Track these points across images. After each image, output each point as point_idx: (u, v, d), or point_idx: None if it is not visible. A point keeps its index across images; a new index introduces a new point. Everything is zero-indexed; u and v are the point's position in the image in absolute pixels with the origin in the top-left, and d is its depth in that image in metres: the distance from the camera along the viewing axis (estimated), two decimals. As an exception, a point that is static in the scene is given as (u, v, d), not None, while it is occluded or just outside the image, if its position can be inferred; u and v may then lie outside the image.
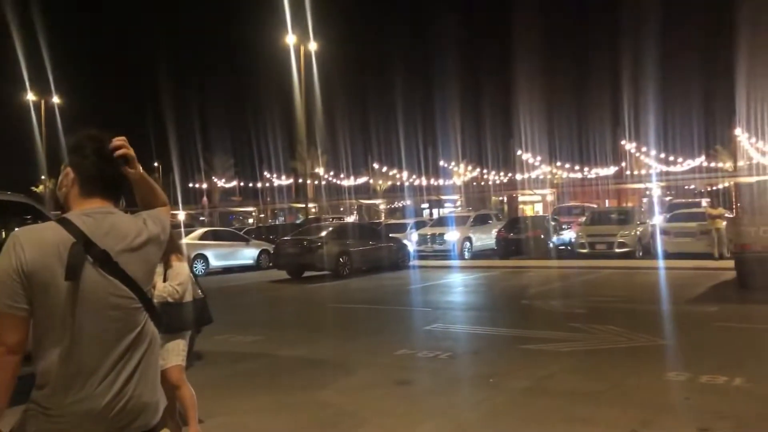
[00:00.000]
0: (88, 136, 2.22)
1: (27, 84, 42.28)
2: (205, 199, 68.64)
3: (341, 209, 63.61)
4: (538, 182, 60.75)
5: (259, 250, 23.20)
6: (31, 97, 43.13)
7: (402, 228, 26.24)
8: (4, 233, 7.51)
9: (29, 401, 2.09)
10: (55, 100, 43.97)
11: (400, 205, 65.46)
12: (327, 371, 7.04)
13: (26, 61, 39.64)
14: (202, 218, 59.73)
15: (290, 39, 34.37)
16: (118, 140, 2.22)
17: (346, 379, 6.69)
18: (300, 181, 61.72)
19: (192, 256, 19.42)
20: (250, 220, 66.61)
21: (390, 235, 22.35)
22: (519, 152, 63.47)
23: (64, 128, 42.69)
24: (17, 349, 2.03)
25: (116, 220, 2.17)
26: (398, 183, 69.44)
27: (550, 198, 56.53)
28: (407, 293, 14.83)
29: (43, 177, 49.45)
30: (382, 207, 66.80)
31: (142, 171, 2.32)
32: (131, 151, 2.23)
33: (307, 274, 18.47)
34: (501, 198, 63.20)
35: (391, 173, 70.15)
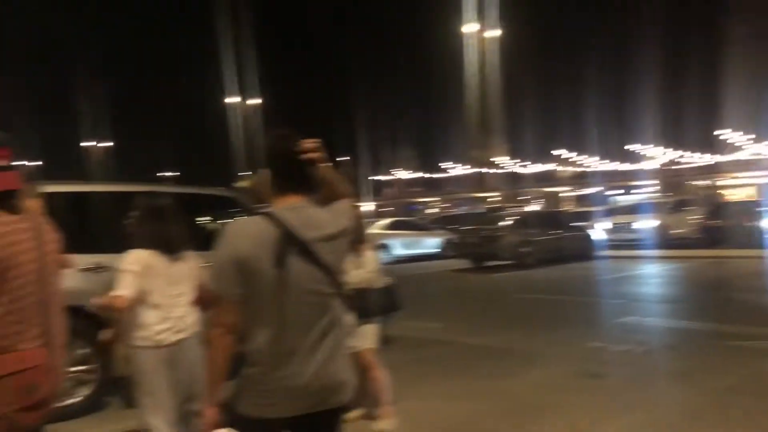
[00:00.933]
0: (279, 136, 2.41)
1: (230, 86, 46.30)
2: (389, 190, 70.88)
3: (524, 198, 62.45)
4: (746, 165, 54.95)
5: (442, 239, 23.49)
6: (232, 99, 47.13)
7: (589, 216, 25.20)
8: (215, 225, 8.34)
9: (242, 377, 2.33)
10: (254, 101, 47.70)
11: (587, 192, 62.76)
12: (513, 361, 6.99)
13: (227, 64, 43.38)
14: (386, 209, 61.72)
15: (470, 27, 34.27)
16: (310, 144, 2.38)
17: (534, 369, 6.59)
18: (480, 170, 61.52)
19: (379, 244, 20.16)
20: (432, 210, 67.62)
21: (576, 224, 21.55)
22: (721, 132, 57.77)
23: (261, 126, 46.32)
24: (232, 329, 2.28)
25: (312, 213, 2.35)
26: (585, 169, 66.56)
27: (763, 181, 50.89)
28: (596, 284, 14.23)
29: (243, 173, 53.90)
30: (567, 195, 64.52)
31: (328, 169, 2.48)
32: (320, 154, 2.40)
33: (489, 263, 18.39)
34: (702, 182, 58.08)
35: (577, 160, 67.44)
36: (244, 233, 2.27)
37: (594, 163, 64.50)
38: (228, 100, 47.15)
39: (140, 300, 3.50)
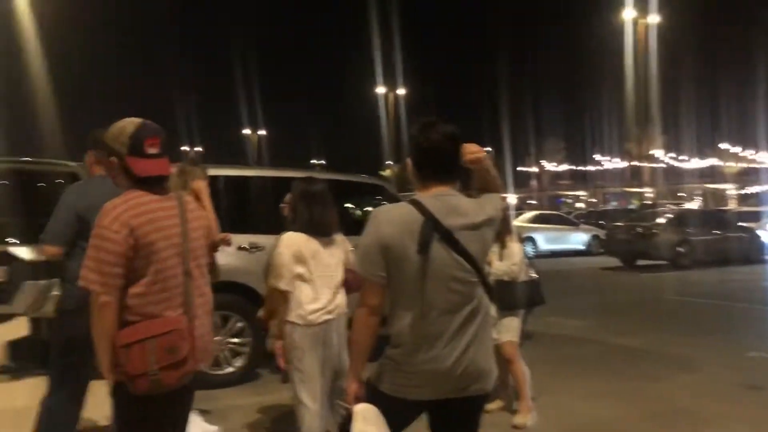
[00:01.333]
0: (425, 125, 2.42)
1: (378, 76, 47.21)
2: (534, 182, 69.24)
3: (682, 194, 58.53)
4: None
5: (590, 235, 22.64)
6: (379, 88, 47.99)
7: (756, 216, 23.14)
8: (362, 211, 8.58)
9: (385, 357, 2.40)
10: (401, 91, 48.35)
11: (755, 190, 57.61)
12: (663, 364, 6.61)
13: (375, 54, 44.22)
14: (531, 201, 60.39)
15: (628, 14, 32.56)
16: (473, 147, 2.47)
17: (685, 375, 6.20)
18: (635, 164, 58.36)
19: (524, 237, 19.79)
20: (580, 204, 65.22)
21: (741, 224, 19.89)
22: None
23: (406, 115, 46.90)
24: (377, 310, 2.35)
25: (458, 201, 2.39)
26: (753, 165, 61.10)
27: None
28: (762, 290, 13.07)
29: (389, 162, 54.84)
30: (731, 192, 59.60)
31: (487, 164, 2.52)
32: (481, 157, 2.47)
33: (640, 262, 17.47)
34: None
35: (743, 154, 62.03)
36: (390, 219, 2.34)
37: (763, 158, 58.98)
38: (376, 89, 48.06)
39: (295, 280, 3.69)
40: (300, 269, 3.64)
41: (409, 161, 2.48)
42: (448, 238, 2.30)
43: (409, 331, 2.33)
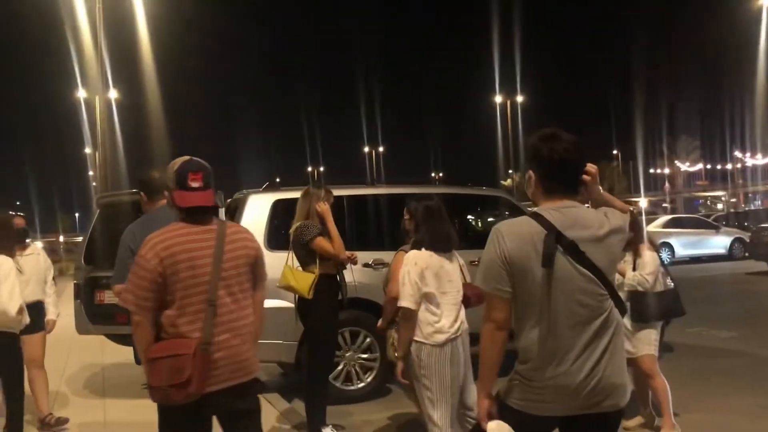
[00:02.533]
0: (543, 137, 2.37)
1: (495, 86, 46.68)
2: (667, 184, 65.56)
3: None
4: None
5: (732, 238, 21.17)
6: (497, 98, 47.41)
7: None
8: (484, 224, 8.50)
9: (514, 372, 2.36)
10: (519, 98, 47.55)
11: None
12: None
13: (493, 62, 43.73)
14: (664, 205, 57.26)
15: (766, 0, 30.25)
16: (591, 168, 2.45)
17: None
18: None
19: (659, 244, 18.80)
20: (719, 206, 61.00)
21: None
22: None
23: (527, 124, 46.00)
24: (504, 325, 2.32)
25: (580, 213, 2.35)
26: None
27: None
28: None
29: (510, 171, 54.00)
30: None
31: (600, 191, 2.51)
32: (594, 173, 2.47)
33: (792, 266, 16.07)
34: None
35: None
36: (513, 234, 2.31)
37: None
38: (494, 97, 47.56)
39: (421, 298, 3.69)
40: (427, 288, 3.66)
41: (531, 174, 2.42)
42: (573, 250, 2.25)
43: (537, 347, 2.28)
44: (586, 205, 2.50)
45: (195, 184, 2.74)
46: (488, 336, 2.34)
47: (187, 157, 2.85)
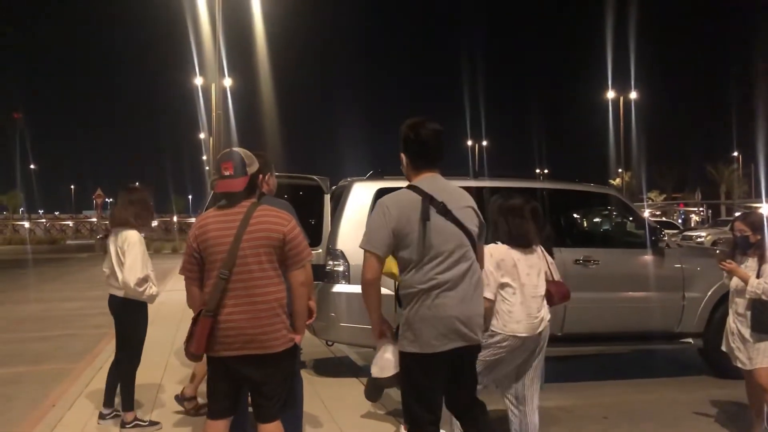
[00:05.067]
0: (408, 126, 3.05)
1: (606, 82, 45.02)
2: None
3: None
4: None
5: None
6: (609, 94, 45.68)
7: None
8: (591, 221, 8.24)
9: (402, 318, 3.03)
10: (632, 95, 45.65)
11: None
12: None
13: (606, 58, 42.15)
14: (790, 212, 53.33)
15: None
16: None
17: None
18: None
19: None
20: None
21: None
22: None
23: (640, 122, 44.12)
24: (376, 281, 3.03)
25: (444, 182, 3.07)
26: None
27: None
28: None
29: (620, 170, 51.99)
30: None
31: None
32: None
33: None
34: None
35: None
36: (396, 202, 2.97)
37: None
38: (606, 94, 45.89)
39: (499, 290, 3.76)
40: (502, 279, 3.73)
41: (402, 156, 3.08)
42: (443, 210, 2.93)
43: (421, 285, 2.93)
44: None
45: (227, 173, 3.09)
46: (366, 288, 3.04)
47: (225, 150, 3.25)
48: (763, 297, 4.21)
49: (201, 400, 4.86)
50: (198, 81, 28.29)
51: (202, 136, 39.32)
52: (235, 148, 3.26)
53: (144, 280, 4.51)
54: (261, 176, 3.53)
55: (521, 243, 3.84)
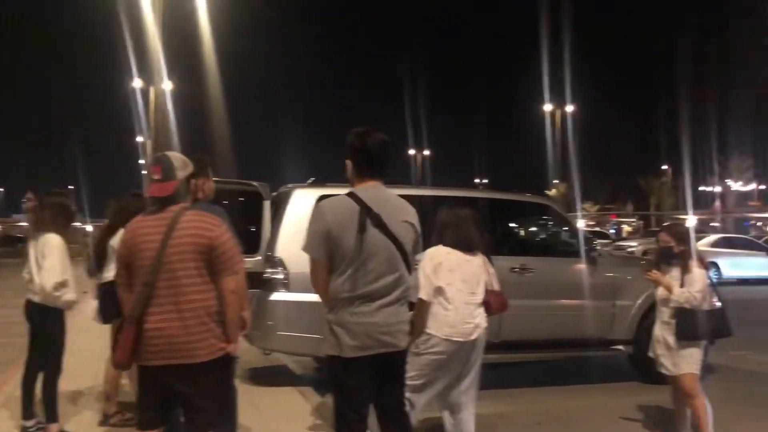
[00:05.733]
0: (355, 134, 3.05)
1: (543, 94, 46.11)
2: (717, 203, 63.82)
3: None
4: None
5: (783, 261, 20.49)
6: (547, 107, 46.83)
7: None
8: (527, 231, 8.41)
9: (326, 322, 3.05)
10: (569, 108, 46.89)
11: None
12: None
13: (543, 71, 43.17)
14: (713, 224, 55.73)
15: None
16: None
17: None
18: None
19: (708, 263, 18.33)
20: (771, 228, 59.07)
21: None
22: None
23: (576, 135, 45.37)
24: (323, 284, 3.02)
25: (385, 193, 3.06)
26: None
27: None
28: None
29: (556, 181, 53.24)
30: None
31: None
32: None
33: None
34: None
35: None
36: (333, 208, 2.97)
37: None
38: (543, 107, 46.99)
39: (436, 293, 3.84)
40: (438, 282, 3.82)
41: (348, 162, 3.08)
42: (379, 223, 2.93)
43: (347, 294, 2.93)
44: None
45: (155, 177, 3.02)
46: (317, 292, 3.07)
47: (159, 153, 3.23)
48: (687, 306, 4.37)
49: (129, 414, 4.72)
50: (137, 84, 27.59)
51: (140, 139, 38.31)
52: (169, 152, 3.19)
53: (62, 285, 4.36)
54: (195, 181, 3.45)
55: (464, 248, 3.92)
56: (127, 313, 2.94)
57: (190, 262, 2.90)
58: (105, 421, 4.86)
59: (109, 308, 4.77)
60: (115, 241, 4.69)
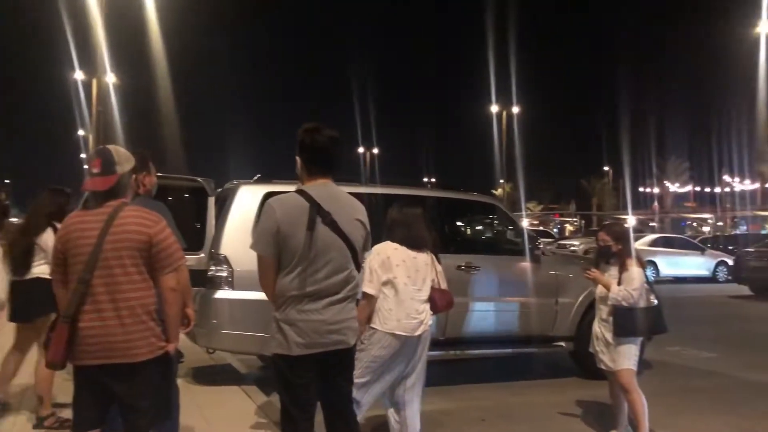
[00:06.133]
0: (305, 131, 3.02)
1: (490, 95, 46.74)
2: (655, 204, 65.91)
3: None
4: None
5: (716, 261, 21.33)
6: (493, 108, 47.45)
7: None
8: (474, 229, 8.50)
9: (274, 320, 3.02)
10: (515, 110, 47.65)
11: None
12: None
13: (490, 73, 43.80)
14: (652, 224, 57.49)
15: (763, 28, 30.53)
16: None
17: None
18: (768, 186, 54.33)
19: (646, 261, 18.88)
20: (706, 228, 61.36)
21: None
22: None
23: (522, 136, 46.16)
24: (271, 282, 2.98)
25: (335, 190, 3.06)
26: None
27: None
28: None
29: (501, 181, 54.04)
30: None
31: None
32: None
33: (775, 291, 16.19)
34: None
35: None
36: (283, 205, 2.93)
37: None
38: (490, 108, 47.62)
39: (380, 285, 3.87)
40: (385, 276, 3.84)
41: (298, 159, 3.05)
42: (329, 220, 2.91)
43: (296, 292, 2.90)
44: None
45: (94, 170, 2.92)
46: (264, 290, 3.01)
47: (99, 146, 3.15)
48: (624, 303, 4.49)
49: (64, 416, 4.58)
50: (79, 76, 26.76)
51: (81, 133, 37.14)
52: (111, 146, 3.09)
53: None
54: (135, 176, 3.36)
55: (413, 245, 3.96)
56: (61, 311, 2.84)
57: (128, 258, 2.82)
58: (39, 423, 4.69)
59: (20, 307, 4.67)
60: (43, 239, 4.54)
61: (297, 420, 2.96)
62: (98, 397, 2.91)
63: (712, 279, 20.87)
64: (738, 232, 44.29)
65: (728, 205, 63.69)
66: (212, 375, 6.55)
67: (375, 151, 64.62)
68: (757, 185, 61.32)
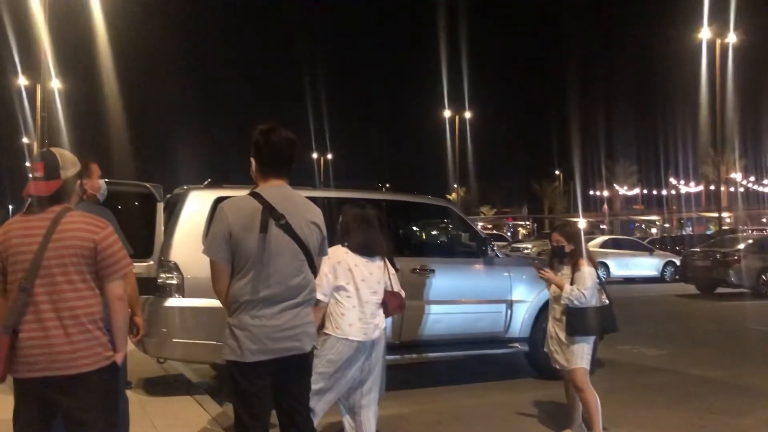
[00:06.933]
0: (260, 132, 2.92)
1: (443, 100, 47.20)
2: (605, 206, 67.46)
3: (764, 219, 55.78)
4: None
5: (664, 261, 21.88)
6: (446, 113, 47.90)
7: None
8: (428, 233, 8.53)
9: (227, 326, 2.93)
10: (467, 114, 48.19)
11: None
12: (748, 398, 6.24)
13: (442, 78, 44.25)
14: (602, 226, 58.83)
15: (704, 34, 31.60)
16: None
17: (770, 410, 5.83)
18: (712, 188, 56.17)
19: (597, 262, 19.24)
20: (654, 230, 63.07)
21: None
22: None
23: (474, 140, 46.73)
24: (224, 288, 2.89)
25: (289, 192, 2.97)
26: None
27: None
28: None
29: (455, 186, 54.56)
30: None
31: None
32: None
33: (719, 290, 16.69)
34: None
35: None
36: (236, 208, 2.85)
37: None
38: (443, 113, 48.07)
39: (331, 291, 3.84)
40: (336, 282, 3.81)
41: (252, 160, 2.96)
42: (282, 222, 2.83)
43: (249, 296, 2.81)
44: None
45: (37, 174, 2.82)
46: (218, 297, 2.93)
47: (43, 150, 3.00)
48: (576, 303, 4.54)
49: None
50: (22, 81, 25.99)
51: (25, 140, 36.03)
52: (55, 149, 2.97)
53: None
54: (80, 181, 3.24)
55: (366, 252, 3.92)
56: (1, 322, 2.71)
57: (72, 266, 2.70)
58: None
59: None
60: None
61: (250, 429, 2.87)
62: (41, 411, 2.77)
63: (660, 279, 21.38)
64: (684, 233, 45.63)
65: (674, 207, 65.70)
66: (163, 385, 6.38)
67: (329, 156, 64.55)
68: (701, 187, 63.31)
